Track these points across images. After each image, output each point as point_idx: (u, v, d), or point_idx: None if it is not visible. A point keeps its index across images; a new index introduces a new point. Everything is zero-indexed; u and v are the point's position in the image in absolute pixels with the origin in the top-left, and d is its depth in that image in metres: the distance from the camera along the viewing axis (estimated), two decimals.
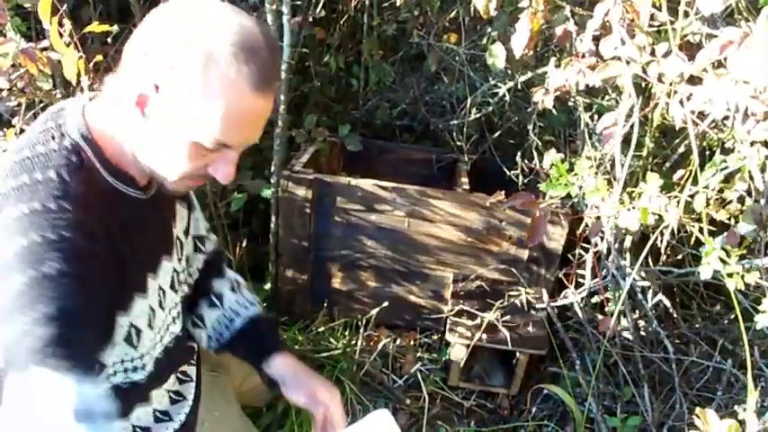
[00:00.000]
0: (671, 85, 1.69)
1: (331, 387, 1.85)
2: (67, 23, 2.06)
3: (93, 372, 1.37)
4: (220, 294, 1.99)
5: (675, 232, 2.22)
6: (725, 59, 1.52)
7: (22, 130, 2.27)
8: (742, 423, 1.46)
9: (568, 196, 2.43)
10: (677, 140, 2.55)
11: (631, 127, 2.04)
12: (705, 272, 1.59)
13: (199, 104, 1.26)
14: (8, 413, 1.40)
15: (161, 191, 1.50)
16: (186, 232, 1.82)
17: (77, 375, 1.33)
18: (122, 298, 1.47)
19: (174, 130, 1.31)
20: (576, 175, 1.92)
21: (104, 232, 1.35)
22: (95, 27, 2.11)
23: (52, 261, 1.24)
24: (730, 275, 1.55)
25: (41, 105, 2.46)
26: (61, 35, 2.03)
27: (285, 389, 1.87)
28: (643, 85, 2.15)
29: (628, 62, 1.80)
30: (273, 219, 2.99)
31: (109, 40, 2.56)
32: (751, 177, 2.07)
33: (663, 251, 2.47)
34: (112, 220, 1.37)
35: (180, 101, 1.26)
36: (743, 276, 1.55)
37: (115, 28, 2.26)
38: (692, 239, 2.15)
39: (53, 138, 1.36)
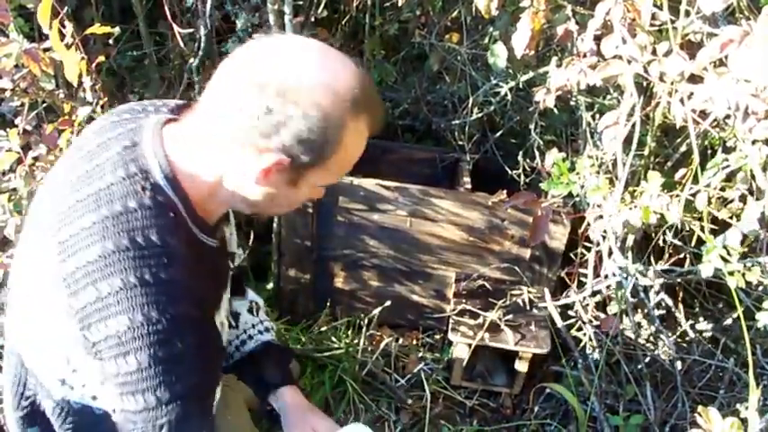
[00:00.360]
0: (672, 84, 1.69)
1: (332, 425, 1.87)
2: (69, 25, 2.07)
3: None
4: (237, 314, 2.00)
5: (677, 231, 2.23)
6: (726, 58, 1.53)
7: (25, 131, 2.27)
8: (744, 421, 1.47)
9: (570, 195, 2.44)
10: (679, 140, 2.55)
11: (633, 126, 2.05)
12: (706, 270, 1.59)
13: (337, 155, 1.31)
14: None
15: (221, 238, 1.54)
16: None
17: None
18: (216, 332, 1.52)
19: (303, 185, 1.37)
20: (577, 174, 1.92)
21: (203, 289, 1.38)
22: (97, 29, 2.12)
23: (167, 302, 1.27)
24: (731, 274, 1.55)
25: (44, 105, 2.47)
26: (63, 36, 2.03)
27: (285, 423, 1.88)
28: (644, 84, 2.15)
29: (629, 61, 1.80)
30: (276, 218, 2.99)
31: (110, 41, 2.56)
32: (752, 176, 2.07)
33: (665, 250, 2.47)
34: (201, 273, 1.37)
35: (313, 165, 1.31)
36: (744, 275, 1.55)
37: (117, 30, 2.27)
38: (694, 238, 2.15)
39: (143, 189, 1.31)
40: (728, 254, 1.59)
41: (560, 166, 1.85)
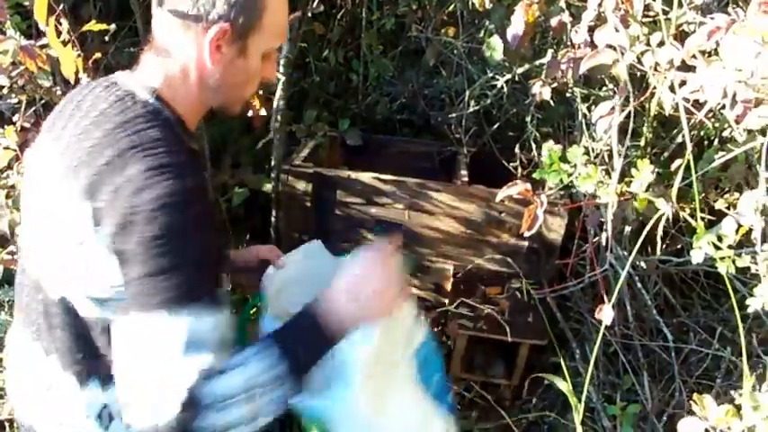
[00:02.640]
0: (661, 70, 1.70)
1: (272, 247, 2.07)
2: (65, 22, 2.08)
3: (217, 303, 1.43)
4: None
5: (673, 222, 2.23)
6: (716, 47, 1.54)
7: (23, 128, 2.29)
8: (739, 408, 1.48)
9: (567, 187, 2.45)
10: (675, 131, 2.56)
11: (627, 116, 2.05)
12: (697, 256, 1.60)
13: (266, 17, 1.45)
14: (121, 356, 1.41)
15: None
16: None
17: (204, 310, 1.38)
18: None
19: (251, 51, 1.48)
20: (572, 165, 1.93)
21: (201, 177, 1.45)
22: (94, 26, 2.13)
23: (188, 207, 1.35)
24: (722, 260, 1.56)
25: (42, 103, 2.47)
26: (60, 33, 2.04)
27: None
28: (639, 75, 2.16)
29: (623, 53, 1.81)
30: (274, 213, 3.00)
31: (107, 38, 2.57)
32: (748, 166, 2.08)
33: (661, 240, 2.48)
34: (196, 167, 1.46)
35: (251, 24, 1.44)
36: (734, 261, 1.56)
37: (113, 26, 2.28)
38: (692, 229, 2.16)
39: (134, 103, 1.46)
40: (719, 240, 1.60)
41: (552, 155, 1.86)
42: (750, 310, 1.55)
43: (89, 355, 1.55)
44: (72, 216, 1.39)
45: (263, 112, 2.51)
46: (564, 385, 2.41)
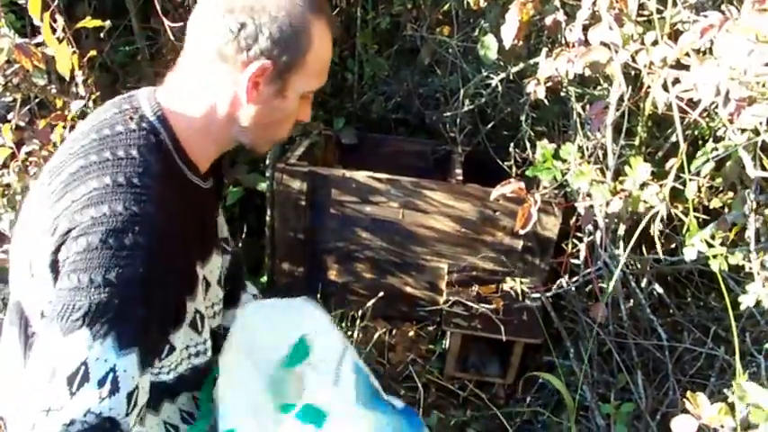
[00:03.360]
0: (654, 67, 1.70)
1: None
2: (60, 19, 2.07)
3: (139, 350, 1.34)
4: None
5: (667, 221, 2.24)
6: (711, 46, 1.54)
7: (17, 126, 2.28)
8: (732, 406, 1.48)
9: (561, 186, 2.45)
10: (669, 130, 2.57)
11: (622, 115, 2.06)
12: (689, 253, 1.61)
13: (311, 56, 1.39)
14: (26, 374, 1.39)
15: (215, 183, 1.60)
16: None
17: (118, 346, 1.30)
18: (188, 282, 1.50)
19: (290, 92, 1.42)
20: (566, 162, 1.93)
21: (179, 213, 1.39)
22: (88, 22, 2.13)
23: (131, 232, 1.28)
24: (715, 257, 1.56)
25: (36, 101, 2.47)
26: (54, 31, 2.04)
27: None
28: (633, 74, 2.16)
29: (617, 51, 1.82)
30: (269, 212, 3.00)
31: (102, 35, 2.57)
32: (742, 165, 2.08)
33: (657, 239, 2.49)
34: (181, 202, 1.41)
35: (295, 62, 1.38)
36: (726, 258, 1.57)
37: (108, 23, 2.28)
38: (685, 228, 2.17)
39: (131, 119, 1.41)
40: (713, 238, 1.61)
41: (546, 153, 1.87)
42: (743, 308, 1.56)
43: None
44: (36, 221, 1.36)
45: None
46: (559, 384, 2.42)
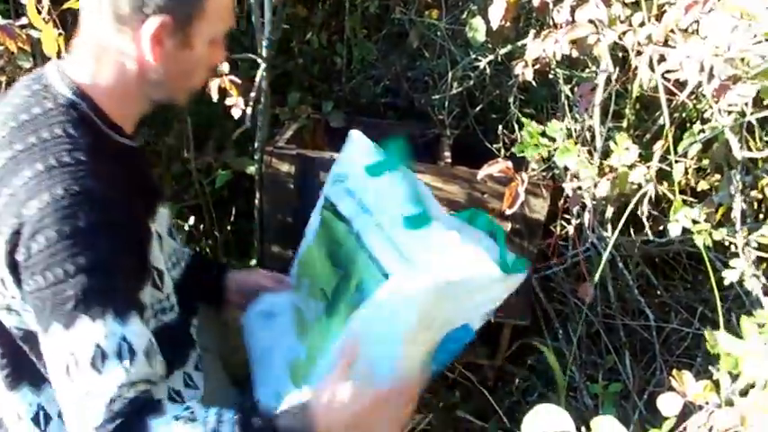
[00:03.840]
0: (639, 45, 1.71)
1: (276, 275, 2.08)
2: (45, 0, 2.07)
3: (135, 311, 1.39)
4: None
5: (655, 203, 2.25)
6: (697, 26, 1.55)
7: None
8: (717, 383, 1.49)
9: (549, 168, 2.46)
10: (657, 113, 2.58)
11: (609, 96, 2.07)
12: (674, 229, 1.62)
13: (210, 3, 1.39)
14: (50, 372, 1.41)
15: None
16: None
17: (118, 317, 1.35)
18: (143, 240, 1.51)
19: (196, 41, 1.42)
20: (552, 140, 1.94)
21: (118, 177, 1.41)
22: (74, 4, 2.12)
23: (81, 212, 1.30)
24: (699, 233, 1.58)
25: None
26: (39, 12, 2.03)
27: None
28: (621, 56, 2.17)
29: (603, 29, 1.82)
30: (258, 195, 3.00)
31: None
32: (728, 147, 2.09)
33: (644, 217, 2.50)
34: (117, 167, 1.42)
35: (194, 12, 1.38)
36: (710, 234, 1.58)
37: None
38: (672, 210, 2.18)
39: (45, 98, 1.41)
40: (699, 217, 1.62)
41: (532, 131, 1.87)
42: (726, 283, 1.57)
43: (15, 360, 1.54)
44: None
45: (240, 102, 2.51)
46: (552, 358, 2.43)
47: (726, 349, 1.34)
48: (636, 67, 1.92)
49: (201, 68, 1.52)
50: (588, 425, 1.31)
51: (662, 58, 1.63)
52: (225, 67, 2.42)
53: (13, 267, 1.34)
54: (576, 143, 2.21)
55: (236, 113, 2.57)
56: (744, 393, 1.36)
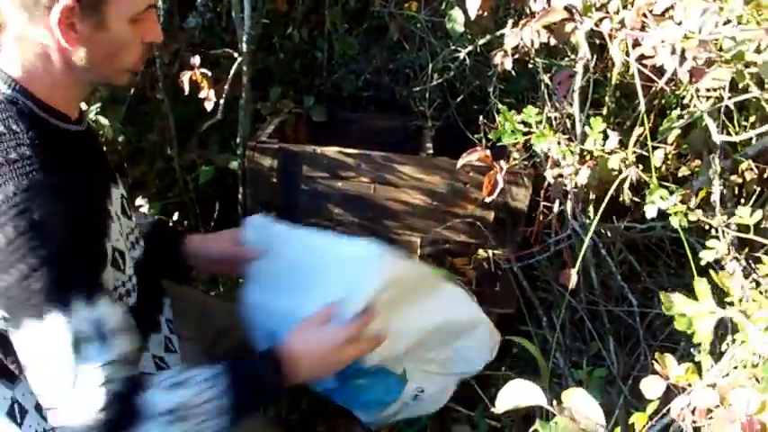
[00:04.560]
0: (612, 30, 1.72)
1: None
2: None
3: (103, 292, 1.41)
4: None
5: (637, 189, 2.26)
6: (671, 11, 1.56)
7: None
8: (699, 366, 1.51)
9: (531, 156, 2.47)
10: (637, 101, 2.59)
11: (588, 84, 2.08)
12: (650, 211, 1.64)
13: None
14: (26, 369, 1.41)
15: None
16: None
17: (88, 301, 1.36)
18: (100, 224, 1.51)
19: (112, 21, 1.38)
20: (528, 126, 1.95)
21: (67, 164, 1.41)
22: None
23: (34, 206, 1.30)
24: (676, 214, 1.59)
25: None
26: None
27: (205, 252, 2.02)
28: (600, 44, 2.18)
29: (579, 16, 1.83)
30: (241, 190, 3.01)
31: None
32: (707, 132, 2.11)
33: (625, 206, 2.51)
34: (65, 155, 1.42)
35: (106, 2, 1.35)
36: (686, 215, 1.59)
37: None
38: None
39: None
40: (671, 193, 1.63)
41: (507, 116, 1.88)
42: (703, 263, 1.59)
43: None
44: None
45: (212, 95, 2.51)
46: (532, 347, 2.45)
47: (680, 310, 1.36)
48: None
49: (128, 48, 1.46)
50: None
51: (636, 43, 1.65)
52: (197, 59, 2.43)
53: None
54: (555, 131, 2.22)
55: (208, 106, 2.57)
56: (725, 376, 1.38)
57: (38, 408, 1.60)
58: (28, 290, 1.31)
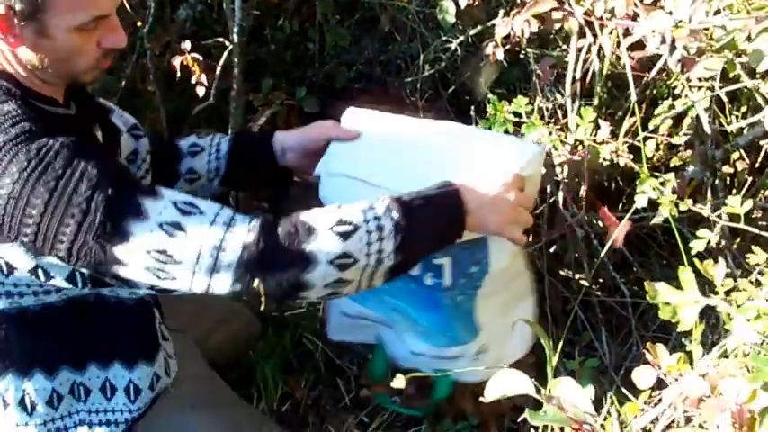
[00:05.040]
0: (602, 19, 1.72)
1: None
2: None
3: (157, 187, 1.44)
4: (194, 143, 2.06)
5: (629, 180, 2.26)
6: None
7: None
8: (690, 356, 1.52)
9: None
10: (629, 91, 2.59)
11: (578, 73, 2.08)
12: (641, 200, 1.64)
13: (55, 2, 1.34)
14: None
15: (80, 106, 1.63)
16: (116, 134, 1.84)
17: (154, 194, 1.41)
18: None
19: (54, 30, 1.38)
20: (519, 115, 1.95)
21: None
22: None
23: (51, 162, 1.34)
24: (665, 204, 1.59)
25: None
26: None
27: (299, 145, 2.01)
28: (592, 35, 2.18)
29: (572, 11, 1.83)
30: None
31: None
32: (698, 121, 2.11)
33: (618, 197, 2.52)
34: (60, 133, 1.42)
35: (34, 8, 1.33)
36: (677, 204, 1.59)
37: None
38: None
39: None
40: (663, 185, 1.63)
41: (496, 105, 1.88)
42: (693, 252, 1.59)
43: None
44: None
45: (203, 78, 2.50)
46: (538, 328, 2.45)
47: (664, 299, 1.37)
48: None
49: (81, 54, 1.46)
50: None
51: (627, 33, 1.65)
52: (187, 44, 2.42)
53: (25, 245, 1.38)
54: (547, 122, 2.22)
55: (200, 92, 2.56)
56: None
57: (72, 391, 1.65)
58: (94, 224, 1.33)
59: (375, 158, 1.80)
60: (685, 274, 1.34)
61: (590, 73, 2.23)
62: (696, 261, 1.41)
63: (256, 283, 1.38)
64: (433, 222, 1.51)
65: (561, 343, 2.67)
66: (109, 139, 1.74)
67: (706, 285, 1.49)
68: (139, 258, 1.36)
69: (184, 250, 1.36)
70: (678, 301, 1.35)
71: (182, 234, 1.35)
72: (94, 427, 1.68)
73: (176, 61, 2.45)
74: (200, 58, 2.48)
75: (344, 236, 1.41)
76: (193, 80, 2.51)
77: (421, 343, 1.98)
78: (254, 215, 1.46)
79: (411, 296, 1.85)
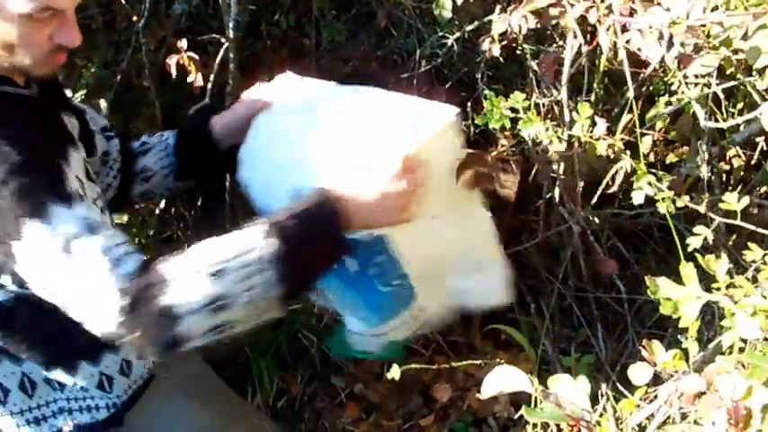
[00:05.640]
0: (600, 16, 1.71)
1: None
2: None
3: (74, 197, 1.40)
4: (144, 141, 2.05)
5: (626, 176, 2.26)
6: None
7: None
8: (686, 352, 1.51)
9: (519, 143, 2.47)
10: (625, 87, 2.59)
11: (577, 70, 2.07)
12: (637, 197, 1.63)
13: None
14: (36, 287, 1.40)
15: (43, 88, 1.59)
16: (89, 133, 1.82)
17: (63, 203, 1.36)
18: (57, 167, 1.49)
19: (3, 12, 1.36)
20: (516, 110, 1.94)
21: (17, 124, 1.42)
22: None
23: None
24: (663, 200, 1.59)
25: None
26: None
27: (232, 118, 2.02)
28: (589, 30, 2.18)
29: (572, 4, 1.82)
30: (228, 176, 3.00)
31: None
32: (695, 118, 2.11)
33: (614, 194, 2.52)
34: (12, 116, 1.43)
35: None
36: (674, 201, 1.59)
37: None
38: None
39: None
40: (660, 181, 1.63)
41: (492, 100, 1.87)
42: (690, 249, 1.58)
43: None
44: None
45: (199, 78, 2.49)
46: (520, 337, 2.45)
47: (666, 294, 1.36)
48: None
49: (29, 44, 1.43)
50: None
51: (624, 29, 1.64)
52: (184, 43, 2.41)
53: None
54: (544, 119, 2.22)
55: (196, 90, 2.55)
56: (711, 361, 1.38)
57: (48, 380, 1.62)
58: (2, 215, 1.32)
59: (289, 136, 1.81)
60: (687, 269, 1.34)
61: (587, 69, 2.23)
62: (698, 256, 1.41)
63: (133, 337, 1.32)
64: (314, 243, 1.46)
65: (557, 339, 2.69)
66: (85, 135, 1.74)
67: (702, 282, 1.49)
68: (31, 261, 1.35)
69: (72, 272, 1.33)
70: (680, 296, 1.34)
71: (75, 254, 1.32)
72: (75, 413, 1.67)
73: (172, 60, 2.43)
74: (197, 57, 2.46)
75: (215, 276, 1.33)
76: (189, 79, 2.50)
77: (358, 323, 1.96)
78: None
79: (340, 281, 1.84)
